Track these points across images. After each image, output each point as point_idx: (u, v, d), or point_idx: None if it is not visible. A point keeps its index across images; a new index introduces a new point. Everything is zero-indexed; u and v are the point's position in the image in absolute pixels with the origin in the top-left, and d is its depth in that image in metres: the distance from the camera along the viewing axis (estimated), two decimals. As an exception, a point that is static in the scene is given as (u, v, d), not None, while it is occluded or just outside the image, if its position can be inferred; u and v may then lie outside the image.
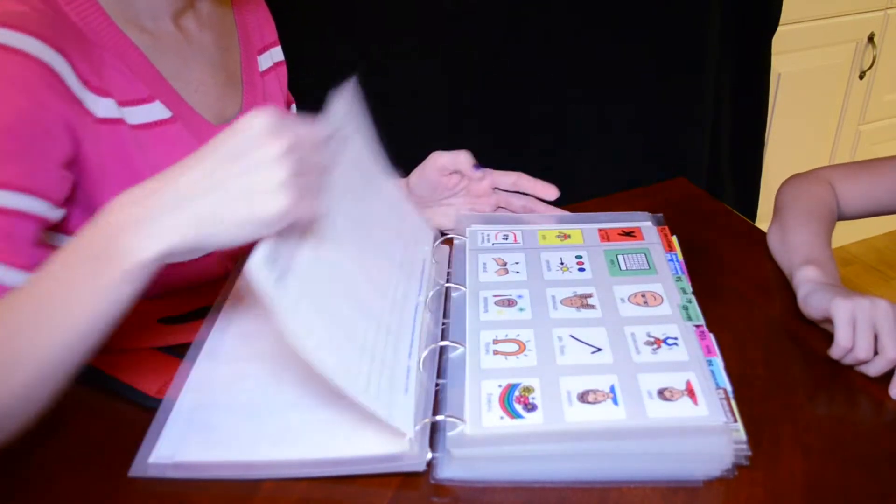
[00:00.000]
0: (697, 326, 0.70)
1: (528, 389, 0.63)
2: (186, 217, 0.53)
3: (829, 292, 0.70)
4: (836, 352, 0.69)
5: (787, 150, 2.01)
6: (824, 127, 2.07)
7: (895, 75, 2.08)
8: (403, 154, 1.51)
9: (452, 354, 0.69)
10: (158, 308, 0.76)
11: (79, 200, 0.71)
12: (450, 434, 0.60)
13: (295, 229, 0.58)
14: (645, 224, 0.85)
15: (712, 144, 1.71)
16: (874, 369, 0.68)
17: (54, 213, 0.66)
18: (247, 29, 0.88)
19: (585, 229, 0.85)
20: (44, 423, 0.67)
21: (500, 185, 0.87)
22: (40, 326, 0.54)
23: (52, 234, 0.70)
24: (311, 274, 0.61)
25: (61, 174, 0.66)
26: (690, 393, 0.62)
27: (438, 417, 0.62)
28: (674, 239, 0.82)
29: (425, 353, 0.69)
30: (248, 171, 0.54)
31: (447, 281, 0.79)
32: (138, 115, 0.72)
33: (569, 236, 0.84)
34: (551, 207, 0.89)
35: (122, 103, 0.71)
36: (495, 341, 0.69)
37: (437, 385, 0.66)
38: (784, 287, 0.80)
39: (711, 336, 0.69)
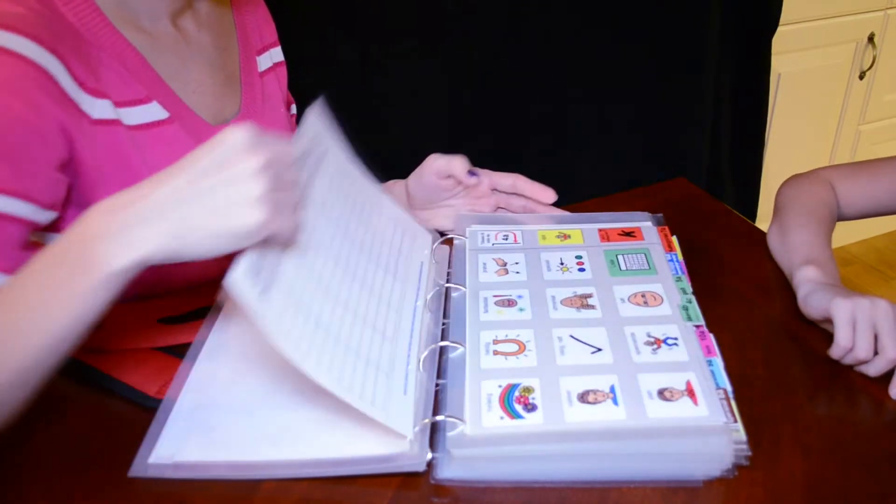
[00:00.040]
0: (697, 326, 0.70)
1: (528, 389, 0.63)
2: (163, 227, 0.54)
3: (829, 292, 0.70)
4: (836, 352, 0.69)
5: (787, 150, 2.01)
6: (824, 127, 2.07)
7: (895, 75, 2.08)
8: (403, 154, 1.51)
9: (452, 354, 0.69)
10: (158, 308, 0.76)
11: (74, 201, 0.71)
12: (450, 434, 0.60)
13: (275, 243, 0.59)
14: (645, 224, 0.85)
15: (712, 144, 1.71)
16: (874, 369, 0.68)
17: (42, 216, 0.66)
18: (246, 29, 0.88)
19: (585, 229, 0.85)
20: (44, 423, 0.67)
21: (498, 186, 0.87)
22: (18, 331, 0.54)
23: (45, 234, 0.71)
24: (298, 285, 0.61)
25: (54, 177, 0.66)
26: (690, 393, 0.62)
27: (438, 418, 0.62)
28: (674, 239, 0.82)
29: (425, 353, 0.69)
30: (226, 184, 0.55)
31: (447, 281, 0.79)
32: (135, 115, 0.72)
33: (569, 236, 0.84)
34: (551, 207, 0.89)
35: (119, 104, 0.71)
36: (495, 341, 0.69)
37: (437, 385, 0.66)
38: (784, 287, 0.80)
39: (711, 336, 0.69)
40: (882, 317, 0.67)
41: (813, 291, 0.73)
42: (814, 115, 2.02)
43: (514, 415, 0.61)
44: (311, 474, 0.60)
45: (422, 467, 0.59)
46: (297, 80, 0.98)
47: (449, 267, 0.82)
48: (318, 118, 0.73)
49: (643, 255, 0.80)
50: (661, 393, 0.62)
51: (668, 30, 1.52)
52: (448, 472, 0.59)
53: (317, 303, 0.63)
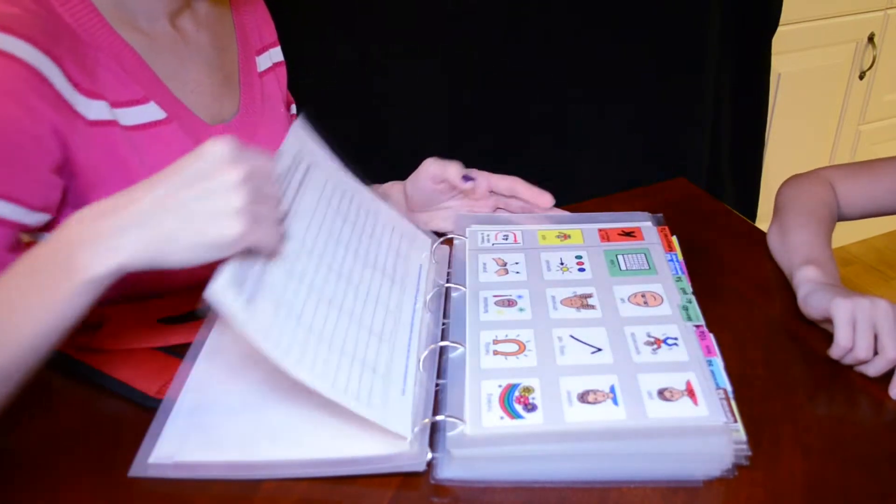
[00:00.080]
0: (697, 326, 0.70)
1: (528, 389, 0.63)
2: (142, 236, 0.55)
3: (829, 292, 0.70)
4: (836, 352, 0.69)
5: (787, 150, 2.01)
6: (824, 127, 2.07)
7: (895, 75, 2.08)
8: (403, 154, 1.51)
9: (452, 354, 0.69)
10: (158, 308, 0.76)
11: (71, 202, 0.71)
12: (450, 434, 0.60)
13: (258, 254, 0.60)
14: (645, 224, 0.85)
15: (712, 144, 1.71)
16: (874, 369, 0.68)
17: (31, 218, 0.66)
18: (245, 29, 0.88)
19: (585, 229, 0.85)
20: (43, 423, 0.67)
21: (496, 189, 0.86)
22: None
23: (39, 235, 0.71)
24: (288, 294, 0.61)
25: (46, 180, 0.66)
26: (690, 393, 0.62)
27: (438, 417, 0.62)
28: (674, 239, 0.82)
29: (425, 353, 0.69)
30: (206, 195, 0.55)
31: (447, 281, 0.79)
32: (132, 116, 0.72)
33: (569, 236, 0.84)
34: (551, 207, 0.89)
35: (116, 104, 0.71)
36: (495, 341, 0.69)
37: (436, 385, 0.66)
38: (784, 287, 0.80)
39: (711, 336, 0.69)
40: (882, 317, 0.67)
41: (813, 291, 0.73)
42: (814, 115, 2.02)
43: (514, 415, 0.61)
44: (311, 474, 0.60)
45: (422, 467, 0.59)
46: (297, 80, 0.98)
47: (449, 267, 0.82)
48: (302, 132, 0.74)
49: (643, 255, 0.80)
50: (661, 393, 0.62)
51: (668, 30, 1.53)
52: (448, 472, 0.59)
53: (309, 309, 0.63)
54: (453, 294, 0.76)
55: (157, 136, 0.74)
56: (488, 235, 0.84)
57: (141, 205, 0.56)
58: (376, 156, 1.46)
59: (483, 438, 0.60)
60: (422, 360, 0.68)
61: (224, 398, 0.66)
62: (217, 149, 0.56)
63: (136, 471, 0.60)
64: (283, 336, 0.59)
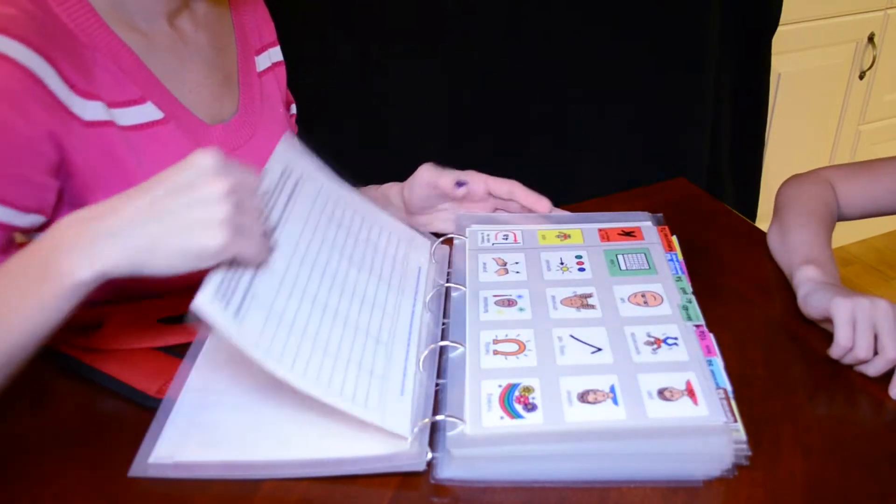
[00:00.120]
0: (697, 326, 0.70)
1: (528, 389, 0.63)
2: (126, 243, 0.56)
3: (829, 292, 0.70)
4: (835, 351, 0.69)
5: (787, 150, 2.01)
6: (824, 127, 2.07)
7: (895, 75, 2.08)
8: (403, 154, 1.51)
9: (452, 354, 0.69)
10: (158, 308, 0.76)
11: (68, 202, 0.71)
12: (450, 434, 0.60)
13: (244, 265, 0.60)
14: (645, 224, 0.85)
15: (712, 144, 1.71)
16: (874, 369, 0.68)
17: (22, 220, 0.67)
18: (244, 29, 0.88)
19: (585, 229, 0.85)
20: (43, 423, 0.67)
21: (495, 192, 0.86)
22: None
23: (36, 235, 0.71)
24: (279, 302, 0.62)
25: (41, 182, 0.67)
26: (690, 393, 0.62)
27: (438, 417, 0.62)
28: (674, 239, 0.82)
29: (425, 353, 0.69)
30: (191, 205, 0.56)
31: (447, 281, 0.79)
32: (129, 116, 0.72)
33: (569, 236, 0.84)
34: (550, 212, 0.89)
35: (113, 105, 0.71)
36: (495, 341, 0.69)
37: (436, 385, 0.66)
38: (784, 287, 0.80)
39: (711, 336, 0.69)
40: (882, 317, 0.67)
41: (813, 291, 0.73)
42: (814, 115, 2.02)
43: (514, 414, 0.61)
44: (311, 474, 0.60)
45: (422, 467, 0.59)
46: (297, 80, 0.98)
47: (449, 267, 0.82)
48: (289, 148, 0.75)
49: (643, 255, 0.80)
50: (661, 393, 0.62)
51: (668, 30, 1.52)
52: (448, 471, 0.59)
53: (302, 316, 0.63)
54: (453, 294, 0.76)
55: (155, 136, 0.74)
56: (488, 235, 0.84)
57: (126, 212, 0.57)
58: (376, 156, 1.46)
59: (483, 438, 0.60)
60: (421, 359, 0.68)
61: (224, 398, 0.66)
62: (203, 160, 0.57)
63: (136, 471, 0.61)
64: (276, 343, 0.59)
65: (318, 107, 1.14)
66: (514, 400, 0.63)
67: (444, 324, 0.73)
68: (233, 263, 0.59)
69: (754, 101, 1.74)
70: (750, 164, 1.82)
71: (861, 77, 2.01)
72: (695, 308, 0.72)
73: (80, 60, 0.68)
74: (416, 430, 0.61)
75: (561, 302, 0.74)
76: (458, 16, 1.39)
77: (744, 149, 1.79)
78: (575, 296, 0.74)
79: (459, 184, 0.85)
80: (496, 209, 0.89)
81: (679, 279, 0.76)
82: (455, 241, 0.84)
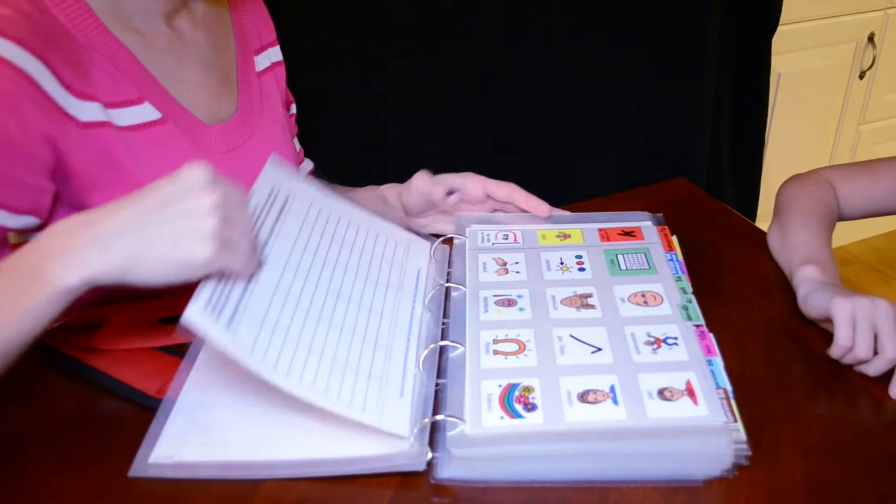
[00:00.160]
0: (697, 326, 0.70)
1: (528, 389, 0.63)
2: (114, 251, 0.56)
3: (829, 291, 0.71)
4: (835, 351, 0.69)
5: (787, 150, 2.01)
6: (824, 127, 2.07)
7: (895, 75, 2.08)
8: (403, 154, 1.51)
9: (452, 354, 0.69)
10: (158, 308, 0.76)
11: (66, 202, 0.71)
12: (450, 434, 0.60)
13: (233, 277, 0.61)
14: (645, 224, 0.85)
15: (712, 144, 1.71)
16: (874, 369, 0.68)
17: (16, 221, 0.67)
18: (244, 29, 0.88)
19: (585, 229, 0.85)
20: (43, 423, 0.67)
21: (493, 195, 0.86)
22: None
23: (34, 235, 0.71)
24: (272, 313, 0.62)
25: (35, 185, 0.67)
26: (690, 393, 0.62)
27: (438, 417, 0.62)
28: (674, 239, 0.82)
29: (425, 353, 0.69)
30: (179, 217, 0.57)
31: (447, 281, 0.79)
32: (127, 116, 0.72)
33: (569, 236, 0.84)
34: (551, 207, 0.89)
35: (110, 105, 0.71)
36: (495, 341, 0.69)
37: (436, 385, 0.66)
38: (784, 287, 0.80)
39: (711, 336, 0.69)
40: (882, 316, 0.67)
41: (813, 291, 0.73)
42: (814, 115, 2.02)
43: (514, 414, 0.61)
44: (311, 474, 0.60)
45: (421, 467, 0.59)
46: (297, 80, 0.98)
47: (449, 266, 0.82)
48: (276, 169, 0.76)
49: (643, 255, 0.80)
50: (661, 393, 0.62)
51: (668, 30, 1.52)
52: (448, 471, 0.59)
53: (296, 326, 0.64)
54: (453, 294, 0.76)
55: (153, 137, 0.74)
56: (488, 235, 0.84)
57: (115, 221, 0.57)
58: (376, 156, 1.46)
59: (483, 438, 0.60)
60: (421, 359, 0.68)
61: (224, 398, 0.66)
62: (194, 174, 0.58)
63: (136, 471, 0.61)
64: (270, 352, 0.60)
65: (317, 106, 1.14)
66: (514, 400, 0.63)
67: (444, 324, 0.73)
68: (222, 277, 0.60)
69: (754, 101, 1.74)
70: (750, 164, 1.82)
71: (861, 77, 2.01)
72: (695, 308, 0.72)
73: (76, 61, 0.68)
74: (415, 430, 0.61)
75: (561, 302, 0.74)
76: (458, 15, 1.39)
77: (744, 149, 1.79)
78: (575, 296, 0.74)
79: (451, 192, 0.85)
80: (495, 210, 0.89)
81: (679, 279, 0.76)
82: (455, 241, 0.84)
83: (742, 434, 0.59)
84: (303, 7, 1.29)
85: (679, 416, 0.60)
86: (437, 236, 0.86)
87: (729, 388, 0.63)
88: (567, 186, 1.51)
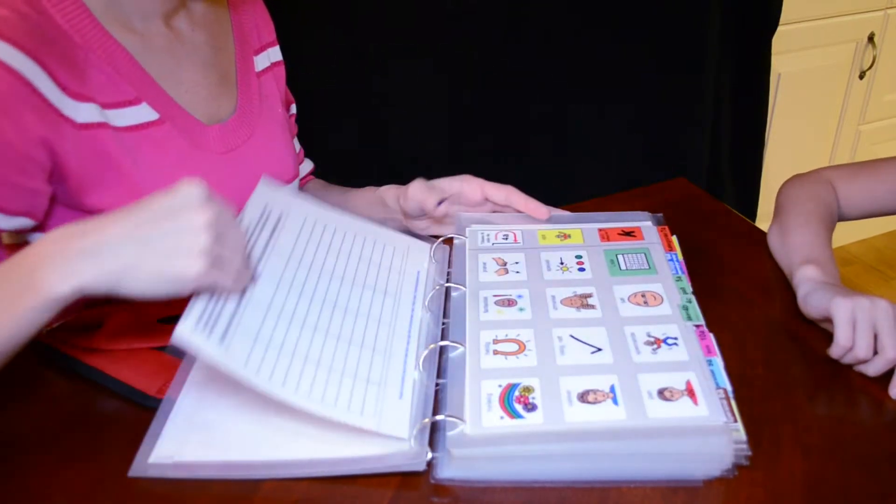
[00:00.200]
0: (697, 326, 0.70)
1: (528, 389, 0.63)
2: (105, 262, 0.57)
3: (829, 291, 0.70)
4: (835, 351, 0.69)
5: (787, 150, 2.01)
6: (824, 127, 2.07)
7: (895, 75, 2.08)
8: (403, 154, 1.51)
9: (452, 354, 0.69)
10: (158, 308, 0.76)
11: (63, 202, 0.71)
12: (450, 434, 0.60)
13: (223, 294, 0.62)
14: (645, 224, 0.85)
15: (712, 144, 1.71)
16: (873, 369, 0.68)
17: (8, 223, 0.68)
18: (243, 29, 0.88)
19: (585, 229, 0.85)
20: (43, 423, 0.67)
21: (492, 198, 0.86)
22: None
23: (33, 234, 0.72)
24: (267, 327, 0.63)
25: (30, 187, 0.67)
26: (690, 393, 0.62)
27: (438, 417, 0.62)
28: (674, 239, 0.82)
29: (425, 353, 0.69)
30: (173, 232, 0.58)
31: (447, 281, 0.79)
32: (124, 117, 0.72)
33: (569, 236, 0.84)
34: (550, 207, 0.89)
35: (107, 106, 0.71)
36: (495, 341, 0.69)
37: (436, 385, 0.66)
38: (784, 287, 0.80)
39: (711, 336, 0.69)
40: (882, 316, 0.67)
41: (813, 291, 0.73)
42: (814, 115, 2.02)
43: (514, 414, 0.61)
44: (311, 474, 0.60)
45: (422, 467, 0.59)
46: (297, 80, 0.98)
47: (449, 267, 0.82)
48: (269, 188, 0.77)
49: (643, 255, 0.80)
50: (661, 393, 0.62)
51: (668, 30, 1.52)
52: (448, 471, 0.59)
53: (291, 338, 0.64)
54: (453, 294, 0.76)
55: (151, 137, 0.74)
56: (488, 235, 0.84)
57: (108, 232, 0.58)
58: (376, 155, 1.46)
59: (483, 438, 0.60)
60: (421, 360, 0.68)
61: (224, 398, 0.66)
62: (190, 190, 0.59)
63: (136, 471, 0.61)
64: (265, 364, 0.60)
65: (317, 106, 1.14)
66: (514, 400, 0.63)
67: (444, 324, 0.73)
68: (214, 293, 0.61)
69: (754, 101, 1.74)
70: (750, 164, 1.82)
71: (861, 77, 2.01)
72: (695, 308, 0.72)
73: (73, 62, 0.68)
74: (415, 430, 0.61)
75: (561, 302, 0.74)
76: (458, 15, 1.39)
77: (744, 149, 1.79)
78: (575, 296, 0.74)
79: (442, 201, 0.86)
80: (493, 212, 0.89)
81: (679, 279, 0.76)
82: (455, 241, 0.84)
83: (742, 434, 0.59)
84: (303, 7, 1.29)
85: (679, 416, 0.60)
86: (438, 237, 0.86)
87: (729, 388, 0.63)
88: (567, 186, 1.51)
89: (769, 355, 0.72)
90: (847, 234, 2.35)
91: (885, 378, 0.68)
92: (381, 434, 0.60)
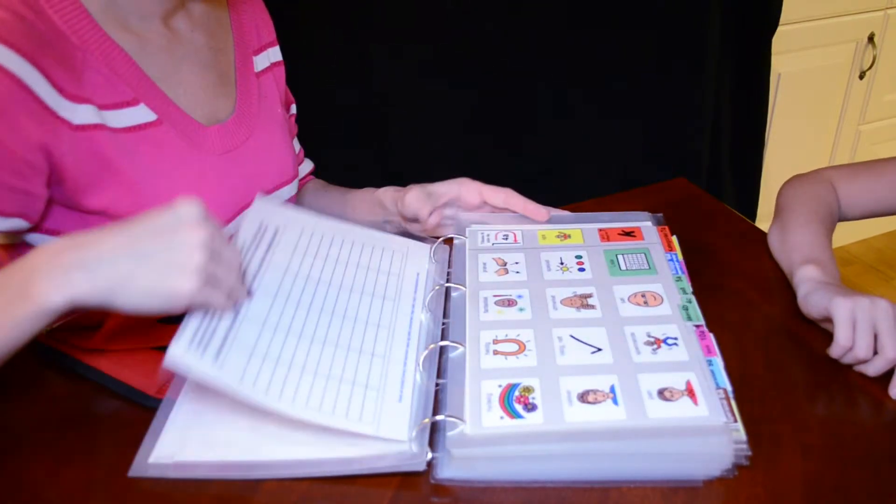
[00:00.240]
0: (697, 326, 0.70)
1: (528, 389, 0.63)
2: (99, 275, 0.57)
3: (830, 291, 0.71)
4: (835, 351, 0.69)
5: (787, 150, 2.01)
6: (824, 127, 2.07)
7: (895, 75, 2.08)
8: (403, 154, 1.51)
9: (452, 354, 0.69)
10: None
11: (61, 202, 0.71)
12: (450, 434, 0.60)
13: (216, 312, 0.62)
14: (645, 224, 0.85)
15: (712, 144, 1.71)
16: (873, 369, 0.68)
17: (3, 224, 0.68)
18: (242, 29, 0.87)
19: (585, 229, 0.85)
20: (43, 423, 0.67)
21: (490, 201, 0.86)
22: None
23: (32, 234, 0.72)
24: (262, 343, 0.63)
25: (25, 189, 0.67)
26: (690, 393, 0.62)
27: (438, 417, 0.62)
28: (674, 239, 0.82)
29: (425, 353, 0.69)
30: (168, 248, 0.58)
31: (447, 281, 0.79)
32: (122, 118, 0.72)
33: (569, 236, 0.84)
34: (550, 208, 0.89)
35: (104, 107, 0.71)
36: (495, 341, 0.69)
37: (436, 385, 0.66)
38: (784, 287, 0.80)
39: (711, 336, 0.69)
40: (882, 316, 0.67)
41: (813, 290, 0.73)
42: (814, 115, 2.02)
43: (514, 414, 0.61)
44: (311, 474, 0.60)
45: (422, 467, 0.59)
46: (297, 80, 0.98)
47: (449, 267, 0.82)
48: (265, 204, 0.77)
49: (643, 255, 0.80)
50: (661, 393, 0.62)
51: (668, 30, 1.53)
52: (448, 471, 0.59)
53: (288, 350, 0.64)
54: (453, 294, 0.76)
55: (148, 138, 0.74)
56: (488, 235, 0.84)
57: (104, 246, 0.58)
58: (376, 155, 1.46)
59: (483, 438, 0.60)
60: (421, 360, 0.68)
61: (224, 398, 0.66)
62: (187, 208, 0.60)
63: (136, 471, 0.61)
64: (261, 377, 0.60)
65: (318, 107, 1.14)
66: (514, 400, 0.63)
67: (444, 324, 0.73)
68: (207, 311, 0.61)
69: (754, 101, 1.74)
70: (750, 164, 1.82)
71: (861, 77, 2.01)
72: (695, 308, 0.72)
73: (70, 63, 0.68)
74: (415, 430, 0.61)
75: (561, 302, 0.74)
76: (458, 15, 1.39)
77: (744, 149, 1.79)
78: (575, 296, 0.74)
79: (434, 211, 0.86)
80: (493, 212, 0.89)
81: (679, 279, 0.76)
82: (455, 241, 0.84)
83: (742, 434, 0.59)
84: (303, 7, 1.29)
85: (679, 417, 0.60)
86: (438, 237, 0.86)
87: (729, 388, 0.63)
88: (567, 186, 1.51)
89: (769, 355, 0.72)
90: (847, 234, 2.35)
91: (885, 378, 0.68)
92: (381, 438, 0.61)
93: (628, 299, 0.73)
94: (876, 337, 0.67)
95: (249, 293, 0.67)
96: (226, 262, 0.62)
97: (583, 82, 1.50)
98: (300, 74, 1.00)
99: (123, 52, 0.73)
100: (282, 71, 0.93)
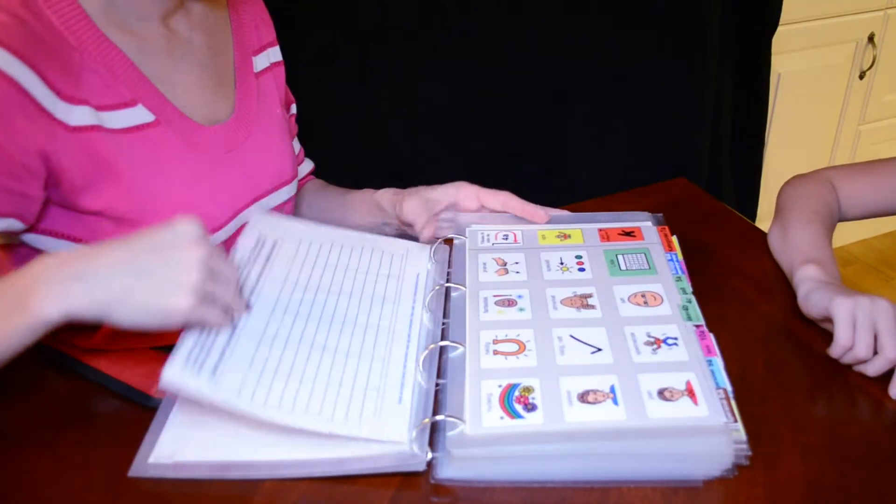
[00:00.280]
0: (697, 326, 0.70)
1: (528, 389, 0.63)
2: (96, 289, 0.58)
3: (830, 291, 0.70)
4: (835, 350, 0.69)
5: (787, 150, 2.01)
6: (824, 127, 2.07)
7: (895, 75, 2.08)
8: (403, 154, 1.51)
9: (452, 354, 0.69)
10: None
11: (58, 202, 0.71)
12: (450, 434, 0.60)
13: (211, 329, 0.63)
14: (645, 224, 0.85)
15: (712, 144, 1.71)
16: (873, 369, 0.68)
17: None
18: (242, 29, 0.87)
19: (585, 229, 0.85)
20: (43, 423, 0.67)
21: (487, 205, 0.86)
22: None
23: (30, 235, 0.72)
24: (259, 356, 0.64)
25: (20, 191, 0.67)
26: (690, 393, 0.62)
27: (438, 418, 0.62)
28: (674, 239, 0.82)
29: (425, 353, 0.69)
30: (166, 265, 0.59)
31: (447, 281, 0.79)
32: (119, 119, 0.72)
33: (569, 236, 0.84)
34: (549, 209, 0.89)
35: (101, 108, 0.70)
36: (495, 341, 0.69)
37: (436, 385, 0.66)
38: (784, 287, 0.80)
39: (711, 336, 0.69)
40: (882, 316, 0.67)
41: (813, 290, 0.73)
42: (814, 115, 2.02)
43: (514, 415, 0.61)
44: (311, 474, 0.60)
45: (422, 467, 0.59)
46: (297, 80, 0.98)
47: (449, 267, 0.82)
48: (263, 217, 0.78)
49: (643, 255, 0.80)
50: (661, 393, 0.62)
51: (667, 29, 1.52)
52: (448, 471, 0.59)
53: (286, 361, 0.65)
54: (453, 294, 0.76)
55: (146, 139, 0.74)
56: (488, 235, 0.84)
57: (102, 261, 0.59)
58: (376, 155, 1.46)
59: (483, 438, 0.60)
60: (421, 360, 0.68)
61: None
62: (185, 226, 0.60)
63: (136, 471, 0.61)
64: (259, 390, 0.61)
65: (318, 107, 1.14)
66: (514, 400, 0.63)
67: (444, 324, 0.73)
68: (203, 329, 0.62)
69: (754, 101, 1.74)
70: (750, 163, 1.82)
71: (861, 77, 2.01)
72: (695, 308, 0.72)
73: (67, 64, 0.68)
74: (415, 431, 0.61)
75: (561, 302, 0.74)
76: (458, 15, 1.39)
77: (744, 148, 1.79)
78: (575, 296, 0.74)
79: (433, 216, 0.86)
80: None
81: (679, 279, 0.76)
82: (455, 241, 0.84)
83: (742, 434, 0.59)
84: (303, 7, 1.29)
85: (679, 417, 0.60)
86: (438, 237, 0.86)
87: (729, 388, 0.63)
88: (567, 186, 1.51)
89: (769, 355, 0.72)
90: (847, 234, 2.35)
91: (885, 378, 0.68)
92: (381, 441, 0.61)
93: (628, 299, 0.73)
94: (876, 337, 0.67)
95: (248, 307, 0.67)
96: (223, 279, 0.63)
97: (583, 82, 1.50)
98: (300, 74, 1.00)
99: (121, 53, 0.72)
100: (282, 71, 0.93)
